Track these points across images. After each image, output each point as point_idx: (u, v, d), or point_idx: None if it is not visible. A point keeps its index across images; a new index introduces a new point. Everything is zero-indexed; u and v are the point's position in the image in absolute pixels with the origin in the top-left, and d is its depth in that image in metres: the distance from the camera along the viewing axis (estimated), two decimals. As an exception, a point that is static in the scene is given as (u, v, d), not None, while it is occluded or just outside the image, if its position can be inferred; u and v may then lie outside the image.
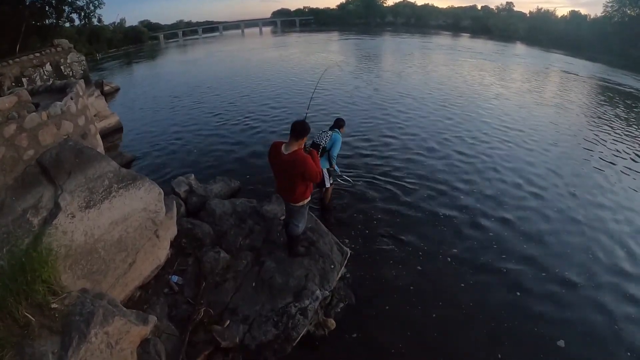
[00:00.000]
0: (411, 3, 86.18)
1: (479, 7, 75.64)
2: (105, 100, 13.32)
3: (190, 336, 3.51)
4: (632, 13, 44.55)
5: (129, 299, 3.91)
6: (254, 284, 4.22)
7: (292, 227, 4.31)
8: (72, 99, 6.43)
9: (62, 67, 12.54)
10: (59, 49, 12.71)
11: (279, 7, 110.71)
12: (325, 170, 5.65)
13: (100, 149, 7.43)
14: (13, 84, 10.51)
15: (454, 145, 9.49)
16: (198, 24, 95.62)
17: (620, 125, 12.63)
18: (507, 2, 70.78)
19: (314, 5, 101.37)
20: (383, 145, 9.42)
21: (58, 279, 2.75)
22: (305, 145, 3.84)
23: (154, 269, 4.21)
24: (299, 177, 3.70)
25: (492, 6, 76.20)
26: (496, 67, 25.10)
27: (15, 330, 2.34)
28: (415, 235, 5.72)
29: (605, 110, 14.72)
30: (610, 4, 47.29)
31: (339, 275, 4.50)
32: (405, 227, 5.92)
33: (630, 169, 8.76)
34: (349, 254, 4.79)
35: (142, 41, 61.20)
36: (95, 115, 10.05)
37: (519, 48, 43.23)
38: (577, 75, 24.31)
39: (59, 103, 6.01)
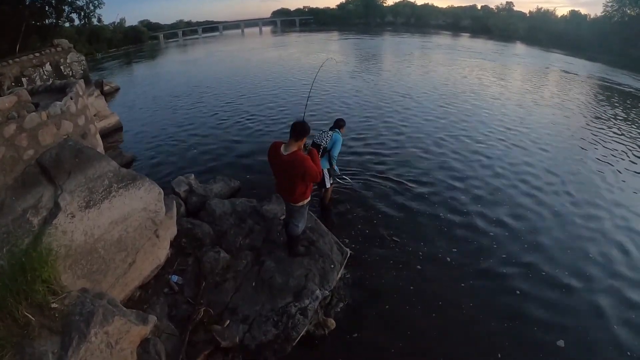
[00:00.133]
0: (411, 3, 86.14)
1: (479, 7, 75.62)
2: (105, 100, 13.31)
3: (190, 336, 3.51)
4: (632, 13, 44.51)
5: (129, 299, 3.91)
6: (254, 284, 4.22)
7: (291, 227, 4.31)
8: (71, 98, 6.43)
9: (61, 67, 12.52)
10: (58, 48, 12.70)
11: (278, 7, 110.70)
12: (325, 171, 5.66)
13: (100, 148, 7.43)
14: (13, 83, 10.50)
15: (453, 146, 9.49)
16: (198, 23, 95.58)
17: (620, 125, 12.62)
18: (507, 2, 70.84)
19: (313, 5, 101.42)
20: (383, 145, 9.42)
21: (58, 279, 2.75)
22: (305, 144, 3.85)
23: (153, 269, 4.21)
24: (298, 178, 3.71)
25: (492, 6, 76.55)
26: (496, 66, 25.09)
27: (15, 330, 2.34)
28: (415, 235, 5.72)
29: (604, 110, 14.71)
30: (610, 4, 47.31)
31: (339, 275, 4.50)
32: (405, 227, 5.92)
33: (629, 169, 8.75)
34: (348, 254, 4.80)
35: (142, 41, 61.18)
36: (95, 115, 10.05)
37: (519, 48, 43.20)
38: (577, 75, 24.30)
39: (58, 103, 6.01)
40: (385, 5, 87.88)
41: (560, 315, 4.32)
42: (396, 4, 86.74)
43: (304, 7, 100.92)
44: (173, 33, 76.42)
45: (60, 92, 6.97)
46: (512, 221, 6.17)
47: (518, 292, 4.66)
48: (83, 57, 13.64)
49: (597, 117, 13.51)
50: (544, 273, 5.00)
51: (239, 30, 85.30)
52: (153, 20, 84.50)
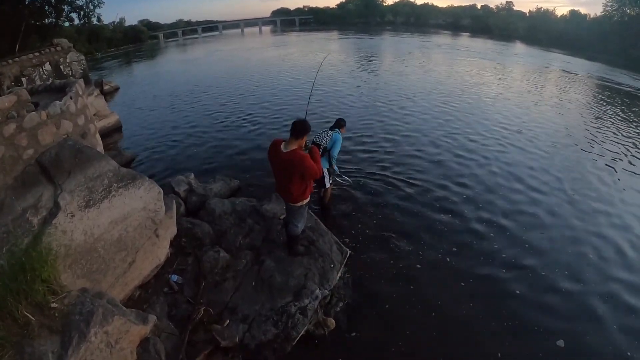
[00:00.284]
0: (411, 2, 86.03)
1: (479, 7, 75.42)
2: (105, 99, 13.31)
3: (190, 335, 3.51)
4: (632, 12, 44.44)
5: (129, 299, 3.92)
6: (253, 283, 4.22)
7: (291, 227, 4.32)
8: (71, 98, 6.42)
9: (61, 67, 12.50)
10: (58, 48, 12.67)
11: (278, 7, 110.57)
12: (325, 170, 5.66)
13: (100, 148, 7.43)
14: (12, 83, 10.48)
15: (453, 145, 9.49)
16: (198, 23, 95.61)
17: (619, 125, 12.61)
18: (506, 2, 70.73)
19: (313, 5, 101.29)
20: (383, 145, 9.41)
21: (58, 279, 2.75)
22: (306, 144, 3.86)
23: (153, 269, 4.21)
24: (297, 176, 3.71)
25: (492, 5, 76.51)
26: (495, 66, 25.08)
27: (15, 329, 2.34)
28: (415, 234, 5.72)
29: (604, 110, 14.71)
30: (610, 4, 47.18)
31: (339, 275, 4.50)
32: (405, 226, 5.92)
33: (628, 170, 8.75)
34: (348, 254, 4.80)
35: (141, 40, 61.19)
36: (94, 115, 10.04)
37: (519, 47, 43.18)
38: (576, 74, 24.29)
39: (58, 102, 6.00)
40: (385, 4, 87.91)
41: (560, 315, 4.32)
42: (396, 4, 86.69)
43: (304, 6, 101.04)
44: (173, 32, 76.45)
45: (59, 91, 6.97)
46: (512, 222, 6.17)
47: (518, 292, 4.66)
48: (83, 57, 13.61)
49: (596, 117, 13.51)
50: (543, 273, 5.00)
51: (239, 30, 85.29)
52: (153, 19, 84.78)
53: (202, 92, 17.27)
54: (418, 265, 5.04)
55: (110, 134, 11.46)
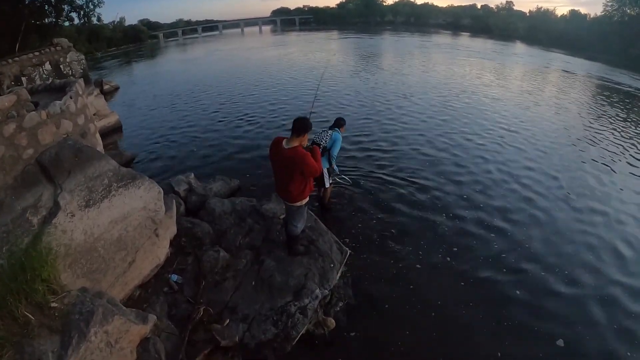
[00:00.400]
0: (411, 2, 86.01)
1: (479, 6, 75.39)
2: (105, 99, 13.31)
3: (190, 335, 3.51)
4: (632, 12, 44.40)
5: (129, 298, 3.91)
6: (253, 283, 4.22)
7: (290, 228, 4.33)
8: (71, 98, 6.41)
9: (61, 66, 12.49)
10: (58, 48, 12.66)
11: (278, 6, 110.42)
12: (325, 170, 5.66)
13: (100, 147, 7.42)
14: (12, 82, 10.47)
15: (453, 145, 9.50)
16: (198, 22, 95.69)
17: (619, 126, 12.61)
18: (507, 1, 70.59)
19: (313, 4, 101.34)
20: (382, 145, 9.42)
21: (58, 278, 2.75)
22: (308, 147, 3.88)
23: (153, 268, 4.21)
24: (297, 174, 3.73)
25: (492, 5, 76.34)
26: (495, 66, 25.09)
27: (15, 329, 2.34)
28: (415, 234, 5.72)
29: (604, 110, 14.71)
30: (610, 4, 47.11)
31: (339, 275, 4.50)
32: (405, 226, 5.93)
33: (626, 171, 8.74)
34: (348, 253, 4.80)
35: (141, 40, 61.21)
36: (94, 114, 10.04)
37: (519, 47, 43.18)
38: (576, 74, 24.30)
39: (58, 102, 6.00)
40: (385, 4, 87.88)
41: (560, 315, 4.33)
42: (396, 3, 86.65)
43: (304, 6, 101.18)
44: (173, 32, 76.52)
45: (59, 91, 6.96)
46: (512, 222, 6.18)
47: (518, 292, 4.66)
48: (83, 56, 13.61)
49: (595, 117, 13.50)
50: (543, 273, 5.00)
51: (239, 30, 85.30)
52: (153, 19, 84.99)
53: (202, 91, 17.27)
54: (418, 265, 5.04)
55: (110, 133, 11.45)
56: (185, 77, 22.64)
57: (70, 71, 12.77)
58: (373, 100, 14.10)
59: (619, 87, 20.89)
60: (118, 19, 60.69)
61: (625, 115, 14.16)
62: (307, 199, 4.12)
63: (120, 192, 3.75)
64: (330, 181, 6.02)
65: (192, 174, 6.87)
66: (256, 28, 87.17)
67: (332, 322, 4.01)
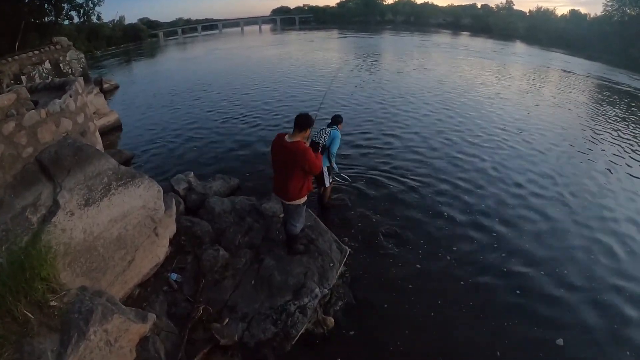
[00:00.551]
0: (411, 1, 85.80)
1: (479, 6, 75.38)
2: (105, 97, 13.28)
3: (189, 334, 3.51)
4: (632, 12, 44.41)
5: (128, 297, 3.91)
6: (253, 282, 4.22)
7: (289, 227, 4.33)
8: (71, 96, 6.41)
9: (61, 65, 12.47)
10: (58, 46, 12.64)
11: (278, 5, 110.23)
12: (325, 168, 5.65)
13: (100, 146, 7.42)
14: (12, 81, 10.46)
15: (453, 144, 9.50)
16: (197, 21, 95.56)
17: (618, 126, 12.60)
18: (507, 1, 70.46)
19: (313, 4, 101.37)
20: (383, 144, 9.42)
21: (57, 277, 2.75)
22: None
23: (153, 267, 4.21)
24: (297, 169, 3.74)
25: (492, 5, 76.07)
26: (496, 66, 25.07)
27: (14, 328, 2.34)
28: (415, 233, 5.72)
29: (603, 110, 14.70)
30: (610, 4, 47.13)
31: (338, 274, 4.50)
32: (405, 225, 5.92)
33: (625, 172, 8.72)
34: (348, 252, 4.80)
35: (141, 39, 61.20)
36: (94, 113, 10.02)
37: (519, 47, 43.18)
38: (576, 74, 24.29)
39: (58, 101, 5.99)
40: (385, 3, 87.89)
41: (560, 314, 4.33)
42: (396, 3, 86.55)
43: (304, 5, 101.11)
44: (172, 31, 76.44)
45: (59, 89, 6.95)
46: (512, 221, 6.17)
47: (518, 291, 4.66)
48: (82, 55, 13.59)
49: (594, 118, 13.49)
50: (543, 272, 5.00)
51: (239, 29, 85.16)
52: (152, 18, 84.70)
53: (201, 90, 17.25)
54: (418, 265, 5.04)
55: (109, 132, 11.44)
56: (185, 76, 22.60)
57: (70, 70, 12.76)
58: (376, 100, 14.09)
59: (619, 87, 20.90)
60: (118, 18, 60.85)
61: (624, 116, 14.16)
62: (305, 198, 4.12)
63: (120, 190, 3.74)
64: (330, 180, 6.01)
65: (192, 173, 6.87)
66: (256, 27, 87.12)
67: (331, 321, 4.01)
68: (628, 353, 3.88)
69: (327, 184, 5.94)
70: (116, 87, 20.16)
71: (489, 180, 7.58)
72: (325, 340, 3.89)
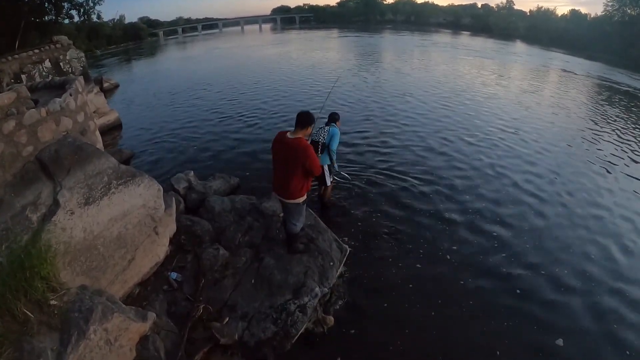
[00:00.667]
0: (411, 1, 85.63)
1: (479, 5, 75.22)
2: (105, 96, 13.27)
3: (189, 333, 3.51)
4: (633, 12, 44.38)
5: (128, 296, 3.91)
6: (253, 281, 4.22)
7: (289, 226, 4.33)
8: (71, 95, 6.40)
9: (61, 64, 12.46)
10: (58, 45, 12.62)
11: (278, 5, 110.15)
12: (325, 167, 5.64)
13: (100, 145, 7.41)
14: (12, 80, 10.45)
15: (453, 144, 9.49)
16: (197, 20, 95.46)
17: (618, 126, 12.58)
18: (507, 1, 70.18)
19: (313, 3, 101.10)
20: (383, 143, 9.41)
21: (57, 276, 2.75)
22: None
23: (153, 266, 4.21)
24: (298, 167, 3.75)
25: (492, 4, 75.77)
26: (496, 65, 25.03)
27: (14, 326, 2.34)
28: (415, 233, 5.71)
29: (603, 110, 14.67)
30: (610, 3, 47.08)
31: (338, 273, 4.50)
32: (405, 225, 5.91)
33: (624, 172, 8.70)
34: (348, 252, 4.80)
35: (141, 38, 61.23)
36: (94, 112, 10.02)
37: (519, 46, 43.13)
38: (576, 74, 24.26)
39: (58, 99, 5.98)
40: (385, 3, 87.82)
41: (560, 315, 4.33)
42: (396, 2, 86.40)
43: (304, 4, 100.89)
44: (173, 30, 76.45)
45: (59, 88, 6.94)
46: (512, 221, 6.17)
47: (518, 291, 4.65)
48: (82, 54, 13.57)
49: (594, 117, 13.47)
50: (543, 272, 5.00)
51: (239, 28, 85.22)
52: (152, 17, 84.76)
53: (201, 89, 17.25)
54: (418, 265, 5.04)
55: (109, 131, 11.44)
56: (185, 75, 22.60)
57: (70, 69, 12.74)
58: (374, 99, 14.07)
59: (619, 86, 20.88)
60: (118, 17, 60.77)
61: (624, 116, 14.14)
62: (305, 197, 4.12)
63: (120, 189, 3.74)
64: (331, 179, 6.01)
65: (192, 172, 6.87)
66: (256, 26, 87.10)
67: (331, 320, 4.01)
68: (628, 353, 3.88)
69: (328, 183, 5.94)
70: (116, 86, 20.17)
71: (489, 180, 7.57)
72: (325, 339, 3.89)
